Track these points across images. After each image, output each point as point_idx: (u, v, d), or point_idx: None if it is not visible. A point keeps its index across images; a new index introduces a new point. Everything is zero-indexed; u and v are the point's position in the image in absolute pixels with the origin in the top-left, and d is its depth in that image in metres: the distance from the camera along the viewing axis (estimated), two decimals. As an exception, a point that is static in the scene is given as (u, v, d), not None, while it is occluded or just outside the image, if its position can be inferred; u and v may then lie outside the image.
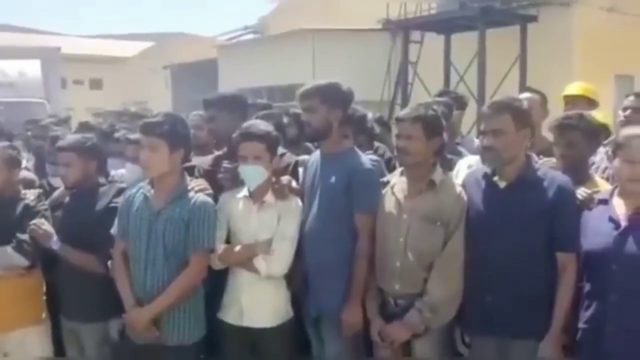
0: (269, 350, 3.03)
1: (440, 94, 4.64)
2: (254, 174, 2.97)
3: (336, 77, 3.18)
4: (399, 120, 2.88)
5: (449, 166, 3.34)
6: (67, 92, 21.58)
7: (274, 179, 3.06)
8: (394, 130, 2.95)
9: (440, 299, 2.75)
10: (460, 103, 4.45)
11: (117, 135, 4.27)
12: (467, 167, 3.30)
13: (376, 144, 4.01)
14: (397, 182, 2.94)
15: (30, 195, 3.34)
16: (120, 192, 3.29)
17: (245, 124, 3.09)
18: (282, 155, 3.28)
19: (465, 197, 2.82)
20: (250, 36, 23.58)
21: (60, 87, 14.97)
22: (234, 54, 20.42)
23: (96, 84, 32.19)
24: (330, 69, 13.12)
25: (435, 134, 2.83)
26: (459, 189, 2.86)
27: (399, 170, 3.01)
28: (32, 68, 12.84)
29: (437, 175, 2.85)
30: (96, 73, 31.96)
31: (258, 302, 3.00)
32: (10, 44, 17.81)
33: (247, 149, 2.96)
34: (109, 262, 3.11)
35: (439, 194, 2.82)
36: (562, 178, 2.75)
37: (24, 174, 3.66)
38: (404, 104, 12.28)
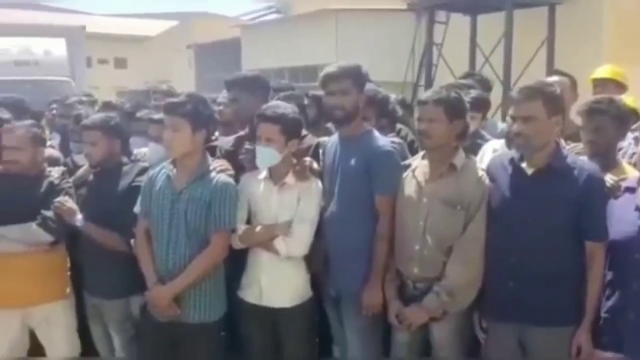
0: (288, 329, 3.05)
1: (465, 76, 4.58)
2: (264, 155, 2.97)
3: (360, 58, 3.16)
4: (421, 102, 2.85)
5: (473, 150, 3.29)
6: (92, 71, 21.75)
7: (295, 161, 3.06)
8: (416, 112, 2.91)
9: (459, 283, 2.74)
10: (484, 86, 4.39)
11: (139, 114, 4.29)
12: (492, 151, 3.26)
13: (399, 126, 3.97)
14: (418, 166, 2.91)
15: (55, 173, 3.38)
16: (142, 171, 3.32)
17: (265, 105, 3.09)
18: (304, 137, 3.27)
19: (486, 182, 2.79)
20: (274, 16, 23.50)
21: (86, 65, 15.03)
22: (257, 33, 20.37)
23: (121, 63, 32.42)
24: (354, 50, 13.04)
25: (458, 116, 2.79)
26: (480, 172, 2.82)
27: (420, 153, 2.99)
28: (58, 46, 12.88)
29: (459, 159, 2.82)
30: (121, 52, 32.15)
31: (277, 282, 3.02)
32: (35, 22, 17.94)
33: (262, 130, 2.96)
34: (132, 240, 3.15)
35: (459, 177, 2.79)
36: (591, 166, 2.69)
37: (49, 152, 3.70)
38: (428, 85, 12.13)
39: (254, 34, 20.63)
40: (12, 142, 3.27)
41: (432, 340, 2.86)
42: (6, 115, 3.62)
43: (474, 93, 3.63)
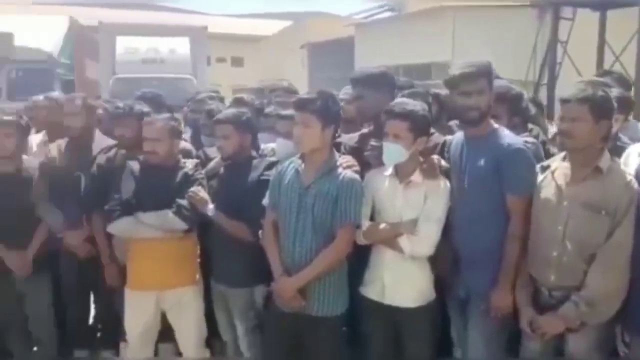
0: (410, 330, 3.01)
1: (602, 74, 4.30)
2: (391, 151, 2.94)
3: (477, 56, 3.05)
4: (564, 101, 2.70)
5: (616, 153, 3.09)
6: (211, 69, 22.71)
7: (422, 159, 3.01)
8: (558, 111, 2.77)
9: (601, 294, 2.57)
10: (624, 84, 4.10)
11: (267, 110, 4.40)
12: (637, 155, 3.04)
13: (530, 125, 3.80)
14: (558, 167, 2.77)
15: (189, 164, 3.54)
16: (270, 165, 3.41)
17: (393, 102, 3.06)
18: (431, 135, 3.21)
19: (636, 186, 2.60)
20: (387, 14, 23.41)
21: (206, 64, 15.71)
22: (370, 32, 20.39)
23: (237, 62, 33.68)
24: (471, 48, 12.68)
25: (604, 116, 2.63)
26: (629, 177, 2.64)
27: (561, 154, 2.84)
28: (182, 46, 13.56)
29: (605, 161, 2.65)
30: (237, 51, 33.42)
31: (401, 282, 2.99)
32: (161, 23, 18.95)
33: (389, 127, 2.94)
34: (259, 232, 3.24)
35: (605, 181, 2.62)
36: None
37: (182, 144, 3.87)
38: (551, 84, 11.59)
39: (367, 32, 20.66)
40: (152, 134, 3.46)
41: (567, 350, 2.71)
42: (146, 108, 3.84)
43: (616, 92, 3.38)
